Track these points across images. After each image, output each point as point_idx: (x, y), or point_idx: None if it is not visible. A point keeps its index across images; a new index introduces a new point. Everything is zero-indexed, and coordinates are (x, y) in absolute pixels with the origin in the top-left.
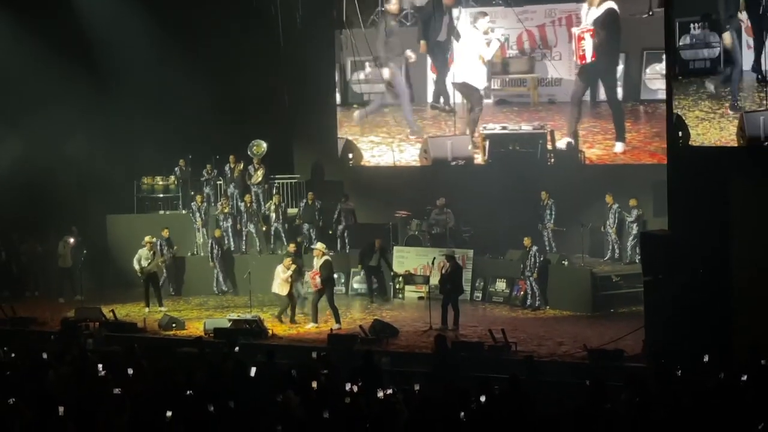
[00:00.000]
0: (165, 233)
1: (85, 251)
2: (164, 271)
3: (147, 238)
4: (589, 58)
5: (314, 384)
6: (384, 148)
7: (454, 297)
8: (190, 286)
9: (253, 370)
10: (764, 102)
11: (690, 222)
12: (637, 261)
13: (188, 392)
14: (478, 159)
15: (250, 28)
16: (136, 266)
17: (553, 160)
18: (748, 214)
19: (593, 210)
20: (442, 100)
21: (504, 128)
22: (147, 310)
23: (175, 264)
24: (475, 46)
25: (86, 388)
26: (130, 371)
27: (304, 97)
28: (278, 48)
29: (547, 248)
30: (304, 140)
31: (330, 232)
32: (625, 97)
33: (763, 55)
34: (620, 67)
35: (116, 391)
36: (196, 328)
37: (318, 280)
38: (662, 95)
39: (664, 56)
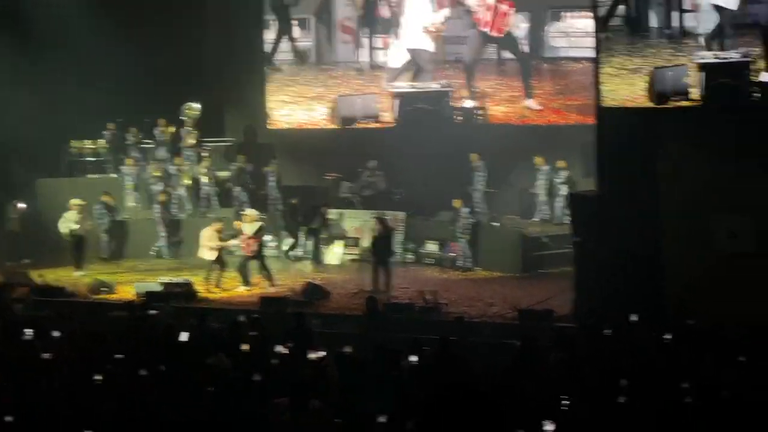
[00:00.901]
0: (105, 198)
1: (13, 216)
2: (102, 235)
3: (74, 201)
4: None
5: (245, 346)
6: (294, 107)
7: (386, 259)
8: (124, 249)
9: (184, 335)
10: (671, 58)
11: (618, 182)
12: (566, 222)
13: (118, 356)
14: (387, 117)
15: None
16: (64, 229)
17: (460, 117)
18: (677, 175)
19: (522, 171)
20: (363, 57)
21: (412, 86)
22: (77, 273)
23: (113, 228)
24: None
25: (14, 353)
26: (59, 335)
27: (233, 57)
28: (205, 7)
29: (478, 210)
30: (234, 102)
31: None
32: (529, 54)
33: (672, 12)
34: (525, 26)
35: (45, 355)
36: (127, 291)
37: (254, 246)
38: (565, 53)
39: (567, 14)
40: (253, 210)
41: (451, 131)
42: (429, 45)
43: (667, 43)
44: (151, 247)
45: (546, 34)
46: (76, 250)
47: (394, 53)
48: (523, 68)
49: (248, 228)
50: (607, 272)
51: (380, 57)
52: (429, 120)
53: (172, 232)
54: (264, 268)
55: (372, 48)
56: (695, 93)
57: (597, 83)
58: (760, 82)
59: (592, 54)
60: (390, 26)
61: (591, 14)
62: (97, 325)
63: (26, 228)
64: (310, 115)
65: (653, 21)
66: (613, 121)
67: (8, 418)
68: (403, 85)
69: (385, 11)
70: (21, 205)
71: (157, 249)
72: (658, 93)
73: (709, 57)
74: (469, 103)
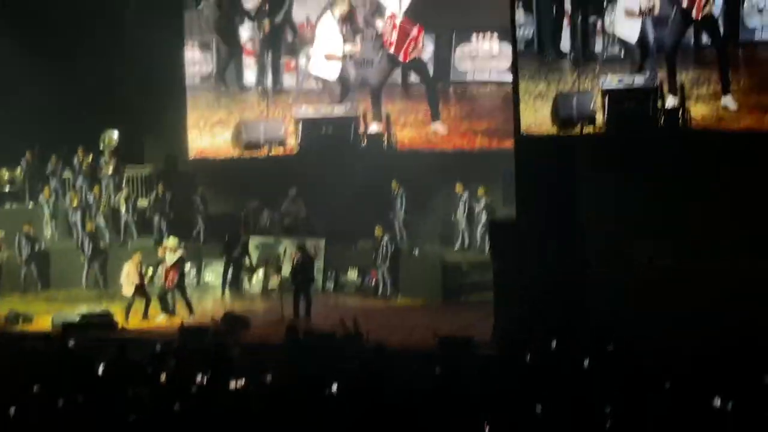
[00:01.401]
0: (27, 228)
1: None
2: (23, 265)
3: None
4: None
5: (163, 376)
6: (195, 133)
7: (306, 287)
8: (43, 279)
9: (102, 365)
10: (576, 83)
11: (537, 209)
12: (486, 249)
13: (34, 387)
14: (291, 143)
15: (94, 12)
16: None
17: (365, 143)
18: (594, 200)
19: (444, 199)
20: (267, 81)
21: (316, 111)
22: None
23: (33, 258)
24: (327, 33)
25: None
26: None
27: (153, 83)
28: (123, 33)
29: (399, 237)
30: (154, 129)
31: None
32: (434, 78)
33: (577, 35)
34: (430, 48)
35: None
36: (44, 322)
37: (174, 276)
38: (470, 76)
39: (473, 36)
40: (174, 238)
41: (372, 159)
42: (335, 73)
43: (572, 68)
44: (79, 276)
45: (452, 57)
46: None
47: (302, 76)
48: (429, 92)
49: (169, 257)
50: (526, 299)
51: (285, 80)
52: (333, 146)
53: (99, 262)
54: (183, 298)
55: (276, 71)
56: (600, 119)
57: (516, 108)
58: (666, 108)
59: (499, 77)
60: (295, 49)
61: (499, 36)
62: (14, 357)
63: None
64: (212, 141)
65: (558, 45)
66: (531, 148)
67: None
68: (307, 111)
69: (289, 35)
70: None
71: (85, 279)
72: (562, 119)
73: (613, 83)
74: (374, 128)
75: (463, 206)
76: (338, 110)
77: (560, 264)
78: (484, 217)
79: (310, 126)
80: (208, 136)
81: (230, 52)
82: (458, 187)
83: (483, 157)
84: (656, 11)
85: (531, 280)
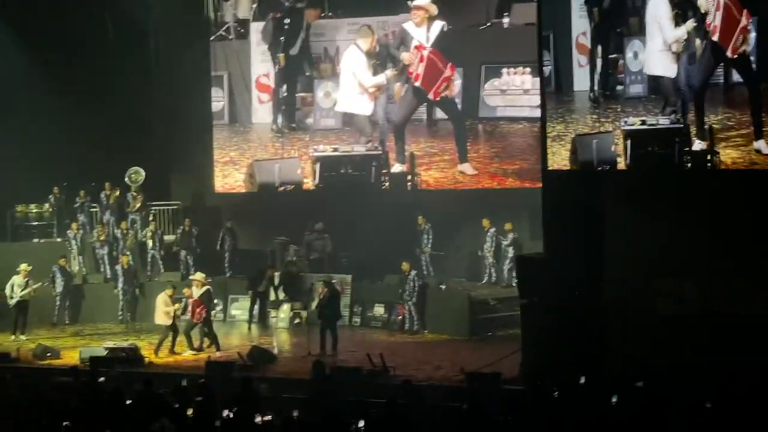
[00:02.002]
0: (62, 262)
1: None
2: (57, 300)
3: (23, 266)
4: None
5: (189, 411)
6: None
7: (333, 322)
8: (73, 314)
9: (129, 399)
10: (596, 124)
11: (564, 245)
12: (513, 284)
13: (65, 423)
14: (308, 183)
15: (123, 50)
16: (8, 293)
17: (388, 184)
18: (620, 237)
19: (470, 234)
20: (281, 120)
21: (335, 150)
22: (13, 337)
23: (67, 292)
24: (355, 67)
25: None
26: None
27: (179, 119)
28: (150, 71)
29: (425, 272)
30: (180, 166)
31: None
32: (463, 114)
33: (596, 74)
34: (458, 83)
35: None
36: (71, 357)
37: (203, 312)
38: (501, 112)
39: (504, 70)
40: (201, 273)
41: (397, 194)
42: (368, 108)
43: (591, 108)
44: (105, 310)
45: (481, 92)
46: (20, 315)
47: (320, 112)
48: (456, 129)
49: (195, 291)
50: (554, 334)
51: (302, 117)
52: (353, 187)
53: (132, 296)
54: (210, 333)
55: (292, 107)
56: (622, 162)
57: (544, 144)
58: (693, 150)
59: (531, 114)
60: (312, 84)
61: (531, 72)
62: (42, 391)
63: None
64: (223, 182)
65: (577, 84)
66: (559, 184)
67: None
68: (325, 149)
69: (306, 68)
70: None
71: (120, 313)
72: (581, 162)
73: (636, 123)
74: (398, 168)
75: (490, 241)
76: (358, 149)
77: (586, 299)
78: (511, 252)
79: (328, 165)
80: (219, 176)
81: (241, 87)
82: (485, 222)
83: (509, 192)
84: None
85: (558, 315)
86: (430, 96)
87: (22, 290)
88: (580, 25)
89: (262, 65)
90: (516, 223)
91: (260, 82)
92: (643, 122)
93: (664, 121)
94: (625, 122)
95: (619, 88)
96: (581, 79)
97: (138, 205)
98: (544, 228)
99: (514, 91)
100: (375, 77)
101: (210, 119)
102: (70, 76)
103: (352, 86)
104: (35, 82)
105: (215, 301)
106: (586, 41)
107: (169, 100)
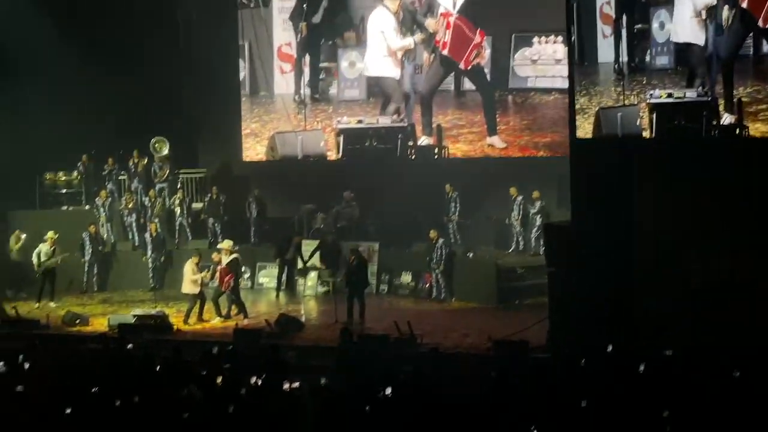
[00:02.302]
0: (91, 229)
1: None
2: (86, 267)
3: (49, 234)
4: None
5: (219, 379)
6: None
7: (360, 290)
8: (102, 281)
9: (157, 366)
10: (621, 97)
11: (592, 212)
12: (541, 252)
13: (93, 389)
14: (331, 156)
15: (152, 18)
16: (35, 260)
17: (414, 157)
18: (649, 204)
19: (498, 202)
20: (304, 91)
21: (360, 122)
22: (37, 305)
23: (95, 260)
24: (384, 26)
25: None
26: (31, 368)
27: (208, 88)
28: (178, 39)
29: (453, 240)
30: (208, 133)
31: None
32: (492, 85)
33: (622, 45)
34: (487, 52)
35: (18, 388)
36: (100, 324)
37: (230, 280)
38: (532, 83)
39: (535, 39)
40: (229, 241)
41: (424, 164)
42: (395, 72)
43: (616, 80)
44: (133, 278)
45: (511, 62)
46: (47, 282)
47: (344, 83)
48: (485, 101)
49: (224, 259)
50: (581, 302)
51: (325, 88)
52: (378, 160)
53: (160, 264)
54: (238, 301)
55: (315, 78)
56: (647, 137)
57: (572, 111)
58: (721, 124)
59: (564, 84)
60: (336, 53)
61: (563, 40)
62: (71, 358)
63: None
64: (244, 155)
65: (601, 55)
66: (587, 152)
67: None
68: (349, 121)
69: (329, 37)
70: (23, 235)
71: (151, 280)
72: (606, 137)
73: (662, 96)
74: (425, 141)
75: (517, 209)
76: (384, 120)
77: (614, 267)
78: (538, 221)
79: (352, 138)
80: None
81: (262, 57)
82: (512, 191)
83: (537, 161)
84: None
85: (585, 283)
86: (461, 65)
87: (49, 258)
88: None
89: (284, 34)
90: (544, 192)
91: (282, 51)
92: (670, 95)
93: (691, 94)
94: (651, 95)
95: (645, 59)
96: (605, 51)
97: (165, 173)
98: (572, 196)
99: (546, 61)
100: (402, 40)
101: (238, 87)
102: (99, 44)
103: (380, 48)
104: (64, 51)
105: (243, 268)
106: (611, 11)
107: (198, 67)
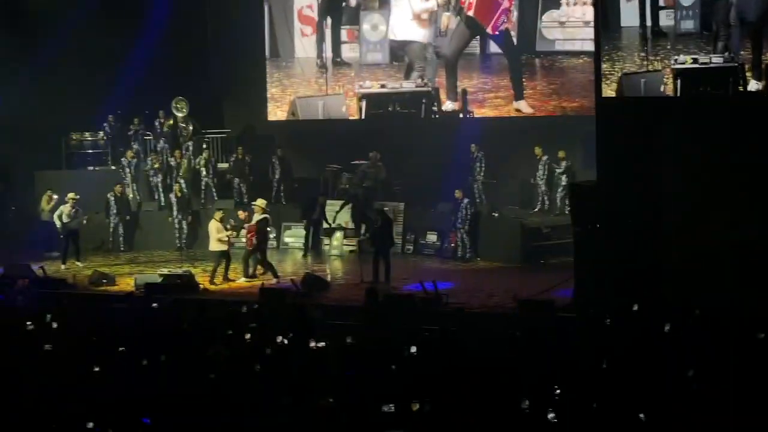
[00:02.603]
0: (117, 189)
1: (13, 208)
2: (112, 226)
3: (71, 195)
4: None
5: (247, 337)
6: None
7: (385, 250)
8: (128, 241)
9: (184, 325)
10: (644, 63)
11: (618, 172)
12: (566, 212)
13: (120, 348)
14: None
15: None
16: (57, 222)
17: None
18: (674, 163)
19: (523, 162)
20: (325, 54)
21: (383, 86)
22: (63, 266)
23: (121, 220)
24: None
25: (15, 344)
26: (59, 327)
27: (233, 48)
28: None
29: (477, 200)
30: (233, 93)
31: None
32: (518, 48)
33: (647, 9)
34: (514, 15)
35: (46, 347)
36: (127, 283)
37: (252, 238)
38: (560, 46)
39: (563, 1)
40: (263, 200)
41: (450, 125)
42: (420, 35)
43: (639, 45)
44: (159, 238)
45: (539, 24)
46: (71, 243)
47: (366, 46)
48: (512, 65)
49: (255, 218)
50: (607, 262)
51: (346, 52)
52: (401, 124)
53: (188, 223)
54: (264, 261)
55: (337, 40)
56: None
57: (597, 70)
58: (749, 92)
59: (593, 47)
60: (357, 16)
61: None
62: (98, 317)
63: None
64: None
65: (624, 20)
66: (613, 111)
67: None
68: (372, 85)
69: None
70: (55, 196)
71: (177, 240)
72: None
73: (687, 62)
74: (449, 106)
75: (542, 169)
76: (407, 85)
77: (640, 226)
78: (564, 180)
79: (375, 103)
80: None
81: (283, 19)
82: (537, 150)
83: (563, 120)
84: None
85: (611, 243)
86: (489, 30)
87: (71, 220)
88: None
89: None
90: (569, 151)
91: (303, 13)
92: (695, 60)
93: (717, 60)
94: (676, 60)
95: (669, 23)
96: (629, 15)
97: (189, 133)
98: (598, 156)
99: (574, 23)
100: (426, 2)
101: (263, 47)
102: (127, 6)
103: (405, 11)
104: (91, 12)
105: (269, 228)
106: None
107: (223, 27)
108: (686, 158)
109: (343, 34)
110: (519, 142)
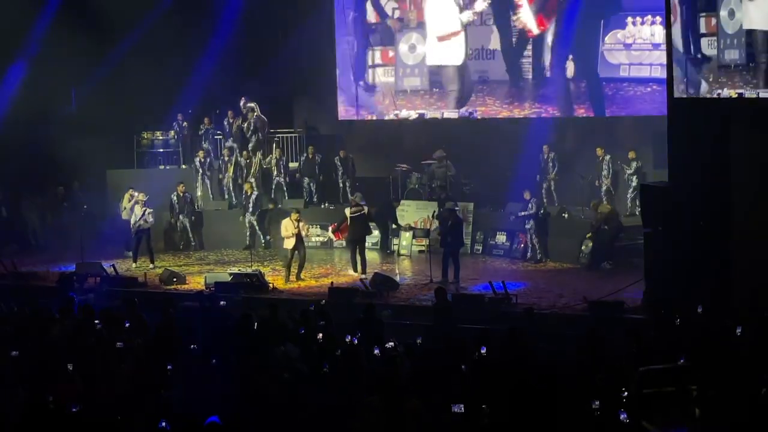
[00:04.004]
0: (180, 188)
1: (85, 206)
2: (178, 226)
3: (140, 195)
4: (535, 29)
5: (319, 336)
6: None
7: (455, 250)
8: (197, 239)
9: (254, 324)
10: (683, 94)
11: (690, 173)
12: (637, 213)
13: (192, 346)
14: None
15: None
16: (131, 220)
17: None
18: (747, 164)
19: (592, 163)
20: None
21: (420, 116)
22: (134, 265)
23: (189, 219)
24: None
25: (88, 342)
26: (131, 325)
27: (304, 49)
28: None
29: (546, 201)
30: (304, 93)
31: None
32: (578, 73)
33: (689, 35)
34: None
35: (118, 345)
36: (197, 282)
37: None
38: (625, 72)
39: (629, 19)
40: (359, 194)
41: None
42: (457, 56)
43: (680, 76)
44: (228, 237)
45: (601, 46)
46: (142, 242)
47: (402, 70)
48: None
49: (348, 212)
50: (678, 263)
51: (379, 77)
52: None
53: (257, 222)
54: (360, 256)
55: (363, 64)
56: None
57: (669, 67)
58: None
59: (663, 74)
60: (387, 36)
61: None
62: (170, 316)
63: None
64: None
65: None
66: (685, 112)
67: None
68: (409, 114)
69: (372, 16)
70: (137, 194)
71: (247, 239)
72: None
73: (731, 96)
74: None
75: (606, 169)
76: (449, 114)
77: (711, 228)
78: (634, 181)
79: None
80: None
81: None
82: (599, 151)
83: (633, 121)
84: None
85: (681, 244)
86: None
87: (137, 218)
88: None
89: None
90: (639, 152)
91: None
92: (741, 95)
93: (765, 94)
94: (719, 94)
95: (711, 52)
96: (676, 40)
97: (261, 132)
98: (669, 156)
99: (641, 45)
100: (462, 13)
101: (334, 45)
102: (198, 7)
103: (440, 26)
104: (163, 14)
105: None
106: None
107: (293, 27)
108: (758, 159)
109: (378, 56)
110: (587, 144)
